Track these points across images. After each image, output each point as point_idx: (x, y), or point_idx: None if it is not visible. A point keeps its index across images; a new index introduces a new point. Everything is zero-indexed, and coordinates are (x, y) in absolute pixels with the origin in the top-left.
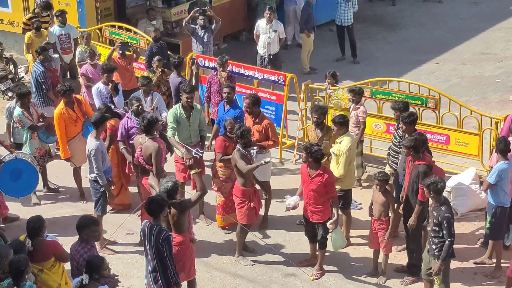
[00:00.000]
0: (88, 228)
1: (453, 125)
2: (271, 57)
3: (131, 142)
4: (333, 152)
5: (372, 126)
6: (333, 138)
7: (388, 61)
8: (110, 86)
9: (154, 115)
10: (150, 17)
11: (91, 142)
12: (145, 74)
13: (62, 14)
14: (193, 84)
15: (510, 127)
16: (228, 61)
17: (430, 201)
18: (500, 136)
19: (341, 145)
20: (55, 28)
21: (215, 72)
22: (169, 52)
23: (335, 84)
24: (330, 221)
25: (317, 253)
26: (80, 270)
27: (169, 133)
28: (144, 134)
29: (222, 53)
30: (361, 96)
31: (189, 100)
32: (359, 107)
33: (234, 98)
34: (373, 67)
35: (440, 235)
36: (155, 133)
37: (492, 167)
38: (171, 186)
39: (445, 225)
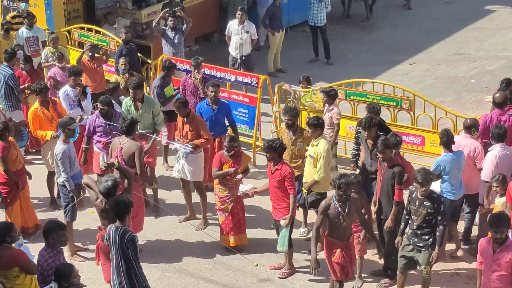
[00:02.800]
0: (54, 232)
1: (428, 126)
2: (244, 58)
3: (95, 141)
4: (310, 155)
5: (346, 128)
6: (307, 140)
7: (362, 62)
8: (78, 90)
9: (135, 115)
10: (110, 21)
11: (59, 146)
12: (113, 78)
13: (29, 16)
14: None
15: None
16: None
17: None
18: (444, 129)
19: (319, 147)
20: (23, 31)
21: (189, 75)
22: (139, 54)
23: (309, 87)
24: (283, 218)
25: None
26: (44, 275)
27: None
28: (124, 135)
29: (194, 55)
30: (334, 98)
31: (135, 96)
32: (333, 109)
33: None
34: (347, 68)
35: (427, 231)
36: (135, 134)
37: None
38: (112, 184)
39: (440, 210)
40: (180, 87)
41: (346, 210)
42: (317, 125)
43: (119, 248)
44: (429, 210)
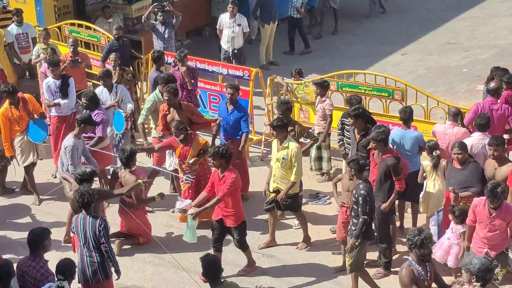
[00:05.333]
0: (47, 238)
1: (420, 116)
2: (236, 51)
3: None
4: (283, 158)
5: (338, 119)
6: (300, 134)
7: (353, 53)
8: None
9: (134, 147)
10: (106, 15)
11: (70, 139)
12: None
13: (18, 13)
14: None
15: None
16: (193, 57)
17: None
18: (404, 107)
19: (290, 148)
20: (12, 27)
21: (177, 67)
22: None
23: (301, 79)
24: (190, 211)
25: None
26: (37, 285)
27: (140, 119)
28: (124, 167)
29: (186, 49)
30: (326, 89)
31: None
32: (325, 100)
33: (236, 98)
34: (339, 59)
35: (354, 219)
36: (134, 167)
37: None
38: (89, 171)
39: (361, 202)
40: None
41: (429, 273)
42: (281, 126)
43: (91, 234)
44: (353, 199)
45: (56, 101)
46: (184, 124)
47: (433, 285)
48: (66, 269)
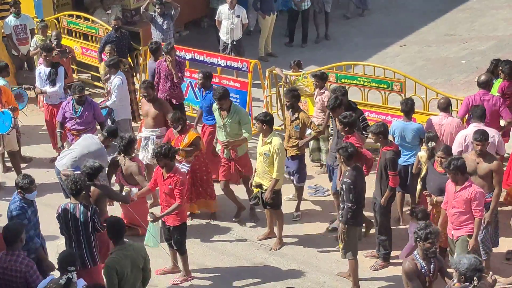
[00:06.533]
0: (23, 231)
1: (419, 108)
2: (235, 43)
3: (66, 126)
4: (264, 153)
5: None
6: (304, 125)
7: (352, 45)
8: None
9: (133, 135)
10: (105, 6)
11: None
12: (101, 66)
13: (16, 4)
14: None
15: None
16: (192, 48)
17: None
18: (406, 98)
19: (273, 144)
20: (10, 19)
21: (164, 58)
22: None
23: (300, 71)
24: (149, 217)
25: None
26: (25, 277)
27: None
28: (123, 155)
29: (184, 40)
30: (324, 81)
31: (222, 106)
32: (324, 92)
33: (210, 83)
34: (338, 51)
35: (342, 204)
36: (133, 154)
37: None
38: (97, 166)
39: (344, 189)
40: (155, 70)
41: (432, 270)
42: (263, 121)
43: (82, 223)
44: (340, 186)
45: (43, 88)
46: (180, 114)
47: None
48: (75, 259)
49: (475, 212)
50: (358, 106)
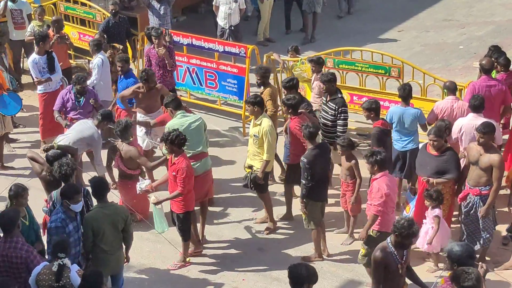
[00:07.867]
0: (19, 217)
1: (417, 93)
2: (232, 28)
3: (68, 116)
4: (254, 135)
5: None
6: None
7: (350, 30)
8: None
9: (129, 119)
10: None
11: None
12: None
13: None
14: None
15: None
16: (189, 34)
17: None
18: (403, 84)
19: (262, 126)
20: (8, 4)
21: (152, 45)
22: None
23: (297, 56)
24: (152, 200)
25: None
26: (26, 263)
27: None
28: (120, 140)
29: (181, 26)
30: (321, 66)
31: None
32: None
33: (128, 68)
34: (335, 37)
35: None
36: (131, 138)
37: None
38: (59, 153)
39: (301, 167)
40: (145, 58)
41: (404, 257)
42: (254, 103)
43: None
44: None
45: (46, 77)
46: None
47: None
48: (66, 246)
49: (367, 206)
50: (356, 92)
